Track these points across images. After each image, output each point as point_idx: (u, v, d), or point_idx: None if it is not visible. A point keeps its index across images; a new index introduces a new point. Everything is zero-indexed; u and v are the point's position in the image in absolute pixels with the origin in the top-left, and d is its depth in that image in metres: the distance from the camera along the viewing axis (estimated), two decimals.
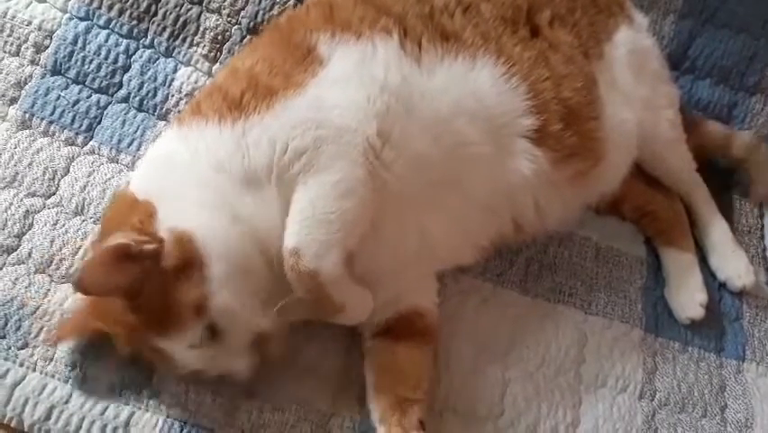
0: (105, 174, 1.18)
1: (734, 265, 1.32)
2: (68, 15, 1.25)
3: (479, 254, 1.16)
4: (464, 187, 1.08)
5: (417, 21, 1.09)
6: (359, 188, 0.97)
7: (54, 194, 1.14)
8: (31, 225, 1.11)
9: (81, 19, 1.26)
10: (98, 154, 1.19)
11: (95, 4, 1.26)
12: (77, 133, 1.20)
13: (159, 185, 0.99)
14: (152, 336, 0.92)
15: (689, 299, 1.25)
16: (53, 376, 1.01)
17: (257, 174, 0.97)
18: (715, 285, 1.32)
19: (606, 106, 1.19)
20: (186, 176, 0.98)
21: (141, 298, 0.90)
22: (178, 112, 1.24)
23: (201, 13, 1.29)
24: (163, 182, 0.99)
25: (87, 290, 0.90)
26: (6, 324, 1.02)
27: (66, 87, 1.23)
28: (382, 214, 1.00)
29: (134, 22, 1.27)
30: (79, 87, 1.23)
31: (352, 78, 1.01)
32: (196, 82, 1.27)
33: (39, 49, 1.23)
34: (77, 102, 1.22)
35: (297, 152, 0.95)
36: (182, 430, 1.00)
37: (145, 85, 1.25)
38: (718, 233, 1.34)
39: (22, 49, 1.23)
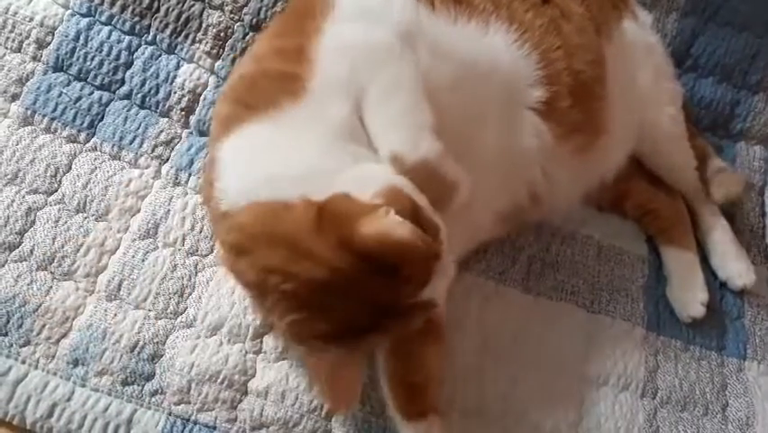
0: (107, 171, 1.17)
1: (734, 264, 1.32)
2: (70, 12, 1.25)
3: (498, 224, 1.16)
4: (477, 148, 1.07)
5: None
6: (407, 74, 0.96)
7: (56, 191, 1.14)
8: (32, 223, 1.11)
9: (83, 15, 1.25)
10: (100, 151, 1.19)
11: (97, 1, 1.25)
12: (79, 130, 1.20)
13: (324, 180, 0.89)
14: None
15: (690, 298, 1.25)
16: (55, 374, 1.01)
17: (346, 128, 0.94)
18: (716, 284, 1.31)
19: (613, 87, 1.18)
20: (324, 159, 0.92)
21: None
22: (181, 110, 1.24)
23: (204, 9, 1.28)
24: (319, 176, 0.90)
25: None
26: (8, 321, 1.03)
27: (68, 84, 1.22)
28: None
29: (137, 18, 1.26)
30: (81, 83, 1.23)
31: (367, 13, 1.00)
32: (198, 79, 1.26)
33: (41, 45, 1.23)
34: (78, 99, 1.21)
35: (348, 85, 0.94)
36: (184, 428, 1.00)
37: (147, 82, 1.25)
38: (719, 232, 1.34)
39: (24, 45, 1.22)
